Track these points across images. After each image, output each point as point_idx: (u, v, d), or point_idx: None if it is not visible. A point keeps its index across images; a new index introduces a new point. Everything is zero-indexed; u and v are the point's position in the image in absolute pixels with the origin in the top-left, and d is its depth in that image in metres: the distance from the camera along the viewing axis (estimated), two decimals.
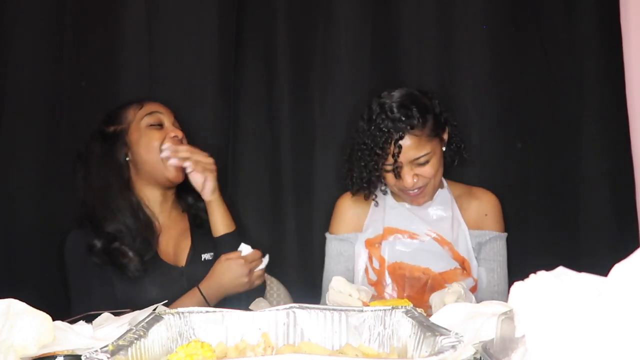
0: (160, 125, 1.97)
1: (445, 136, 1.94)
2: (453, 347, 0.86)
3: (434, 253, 1.94)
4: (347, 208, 2.07)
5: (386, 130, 1.82)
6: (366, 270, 1.97)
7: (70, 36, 2.33)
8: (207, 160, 1.94)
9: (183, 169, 1.94)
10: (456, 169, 2.03)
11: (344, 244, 2.03)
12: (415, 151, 1.83)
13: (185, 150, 1.93)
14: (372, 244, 1.98)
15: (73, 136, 2.30)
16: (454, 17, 2.31)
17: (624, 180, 2.26)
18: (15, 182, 2.30)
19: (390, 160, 1.84)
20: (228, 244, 1.92)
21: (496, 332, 0.95)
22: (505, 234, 2.02)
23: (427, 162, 1.85)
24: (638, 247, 0.81)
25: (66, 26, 2.33)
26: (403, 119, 1.82)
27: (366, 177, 1.90)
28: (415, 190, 1.89)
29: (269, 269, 2.26)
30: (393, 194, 2.00)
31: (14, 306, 1.15)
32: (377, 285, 1.95)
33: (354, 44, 2.33)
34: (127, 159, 1.96)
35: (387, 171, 1.87)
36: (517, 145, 2.30)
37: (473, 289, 1.92)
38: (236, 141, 2.38)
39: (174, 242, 2.00)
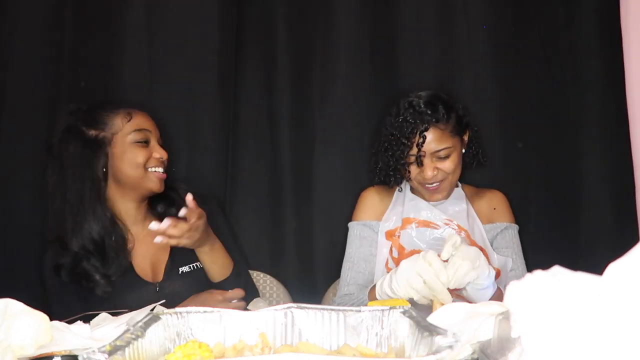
0: (146, 143, 1.89)
1: (466, 138, 2.03)
2: (450, 347, 0.85)
3: None
4: (370, 198, 2.12)
5: (412, 121, 1.93)
6: (386, 262, 2.00)
7: (70, 36, 2.33)
8: (195, 224, 1.79)
9: (165, 178, 1.92)
10: None
11: (366, 229, 2.07)
12: (437, 143, 1.93)
13: (177, 234, 1.76)
14: (392, 235, 2.02)
15: None
16: (454, 17, 2.31)
17: (624, 180, 2.26)
18: (15, 182, 2.30)
19: (415, 150, 1.93)
20: (228, 287, 1.84)
21: (493, 332, 0.95)
22: (517, 226, 2.06)
23: (447, 156, 1.95)
24: None
25: (66, 26, 2.33)
26: (429, 112, 1.93)
27: (392, 165, 1.99)
28: (434, 184, 1.97)
29: (268, 269, 2.28)
30: (412, 189, 2.08)
31: (12, 306, 1.15)
32: None
33: (354, 44, 2.33)
34: (104, 169, 1.87)
35: (411, 162, 1.96)
36: (517, 145, 2.30)
37: (496, 277, 1.91)
38: (236, 141, 2.38)
39: (150, 255, 1.94)
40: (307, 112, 2.35)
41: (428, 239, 1.99)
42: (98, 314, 1.44)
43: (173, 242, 1.77)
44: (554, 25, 2.30)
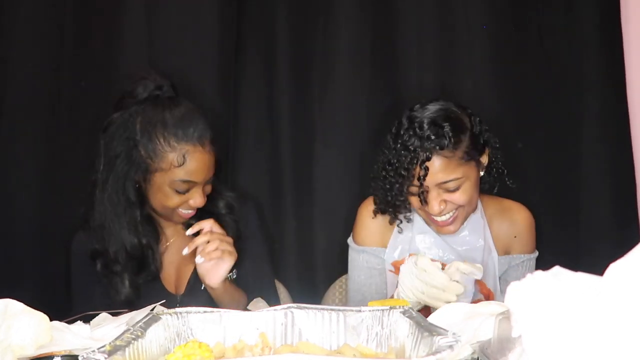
0: (188, 190, 1.73)
1: (485, 159, 1.76)
2: (450, 347, 0.86)
3: None
4: (374, 220, 1.89)
5: (412, 149, 1.64)
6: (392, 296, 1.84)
7: (70, 36, 2.32)
8: (229, 241, 1.70)
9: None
10: None
11: (373, 258, 1.89)
12: (443, 174, 1.64)
13: (214, 248, 1.67)
14: (398, 267, 1.79)
15: (73, 136, 2.30)
16: (454, 17, 2.31)
17: (624, 180, 2.26)
18: (15, 182, 2.30)
19: (416, 183, 1.65)
20: None
21: (494, 332, 0.95)
22: (535, 254, 1.90)
23: (457, 188, 1.67)
24: None
25: (66, 26, 2.32)
26: (432, 137, 1.63)
27: (391, 201, 1.73)
28: (444, 218, 1.71)
29: None
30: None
31: (12, 306, 1.15)
32: None
33: (354, 44, 2.32)
34: (138, 186, 1.74)
35: (412, 194, 1.69)
36: (517, 145, 2.30)
37: None
38: (236, 141, 2.38)
39: (177, 265, 1.86)
40: (307, 112, 2.34)
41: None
42: (98, 314, 1.44)
43: (215, 253, 1.66)
44: (554, 25, 2.29)
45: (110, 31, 2.31)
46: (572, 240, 2.28)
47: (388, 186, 1.71)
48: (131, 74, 1.87)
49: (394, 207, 1.76)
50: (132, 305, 1.69)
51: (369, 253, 1.90)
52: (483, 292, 1.84)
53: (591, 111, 2.27)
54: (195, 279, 1.80)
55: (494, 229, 1.86)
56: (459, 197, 1.68)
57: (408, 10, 2.31)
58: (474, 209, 1.80)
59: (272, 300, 1.81)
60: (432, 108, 1.70)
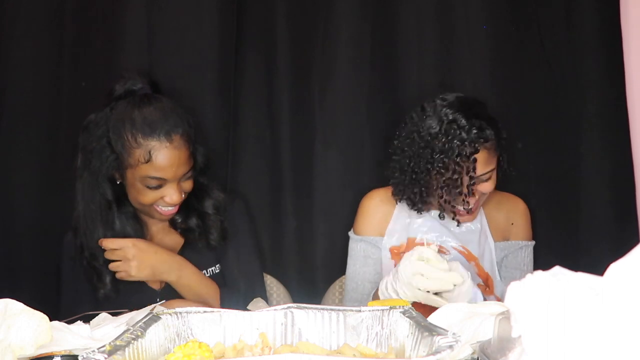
0: (158, 187, 1.74)
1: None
2: (450, 347, 0.86)
3: None
4: (374, 208, 1.96)
5: (459, 143, 1.65)
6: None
7: (70, 36, 2.32)
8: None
9: (175, 212, 1.81)
10: None
11: (370, 247, 1.95)
12: (485, 166, 1.69)
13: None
14: (397, 254, 1.90)
15: (73, 136, 2.30)
16: (454, 17, 2.31)
17: (624, 180, 2.26)
18: (15, 182, 2.30)
19: (466, 178, 1.67)
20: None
21: (493, 332, 0.95)
22: (532, 242, 1.97)
23: (490, 178, 1.73)
24: None
25: (66, 26, 2.32)
26: (479, 131, 1.68)
27: (425, 197, 1.75)
28: (470, 208, 1.75)
29: (269, 269, 2.27)
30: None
31: (12, 306, 1.15)
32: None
33: (354, 44, 2.32)
34: (118, 182, 1.78)
35: (457, 189, 1.69)
36: (517, 145, 2.30)
37: None
38: (236, 141, 2.38)
39: None
40: (307, 112, 2.34)
41: None
42: (98, 314, 1.44)
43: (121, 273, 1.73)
44: (554, 25, 2.29)
45: (110, 31, 2.31)
46: (572, 240, 2.28)
47: (441, 181, 1.70)
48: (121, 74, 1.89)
49: (422, 203, 1.79)
50: (113, 301, 1.74)
51: (367, 242, 1.94)
52: (481, 276, 1.86)
53: (591, 111, 2.27)
54: None
55: (490, 216, 1.93)
56: (489, 186, 1.73)
57: (408, 11, 2.31)
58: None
59: (261, 295, 1.86)
60: (465, 100, 1.74)
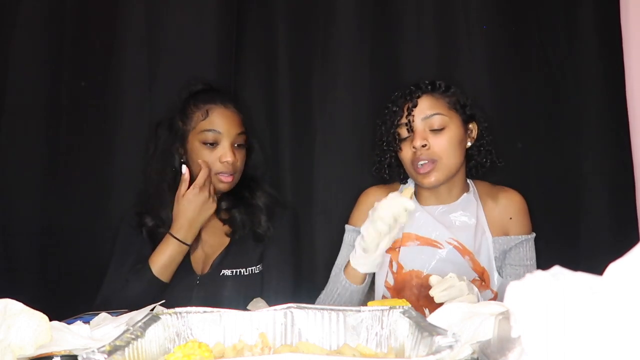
0: (213, 144, 1.92)
1: (474, 131, 1.95)
2: (450, 347, 0.86)
3: (453, 263, 1.87)
4: (368, 201, 2.00)
5: (406, 90, 1.89)
6: (386, 276, 1.92)
7: (70, 36, 2.33)
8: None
9: (232, 181, 1.95)
10: None
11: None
12: (430, 109, 1.85)
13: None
14: (392, 248, 1.90)
15: (73, 136, 2.31)
16: (454, 17, 2.31)
17: (624, 180, 2.26)
18: (15, 182, 2.30)
19: (405, 114, 1.85)
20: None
21: (493, 332, 0.95)
22: (532, 235, 1.98)
23: (441, 128, 1.84)
24: None
25: (66, 26, 2.33)
26: (426, 82, 1.90)
27: (385, 139, 1.91)
28: (424, 163, 1.84)
29: None
30: (416, 195, 1.96)
31: (11, 306, 1.15)
32: (393, 291, 1.92)
33: (354, 44, 2.32)
34: (183, 160, 1.95)
35: (402, 136, 1.87)
36: (517, 145, 2.30)
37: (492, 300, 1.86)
38: None
39: (208, 247, 1.99)
40: (307, 112, 2.35)
41: (430, 261, 1.88)
42: (98, 314, 1.44)
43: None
44: (554, 25, 2.29)
45: (110, 31, 2.31)
46: (572, 240, 2.27)
47: (382, 126, 1.93)
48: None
49: (388, 153, 1.94)
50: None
51: (357, 232, 1.92)
52: (476, 270, 1.86)
53: (591, 111, 2.27)
54: (219, 264, 1.94)
55: (487, 211, 1.95)
56: (442, 141, 1.83)
57: (408, 11, 2.31)
58: (454, 169, 1.89)
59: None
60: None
